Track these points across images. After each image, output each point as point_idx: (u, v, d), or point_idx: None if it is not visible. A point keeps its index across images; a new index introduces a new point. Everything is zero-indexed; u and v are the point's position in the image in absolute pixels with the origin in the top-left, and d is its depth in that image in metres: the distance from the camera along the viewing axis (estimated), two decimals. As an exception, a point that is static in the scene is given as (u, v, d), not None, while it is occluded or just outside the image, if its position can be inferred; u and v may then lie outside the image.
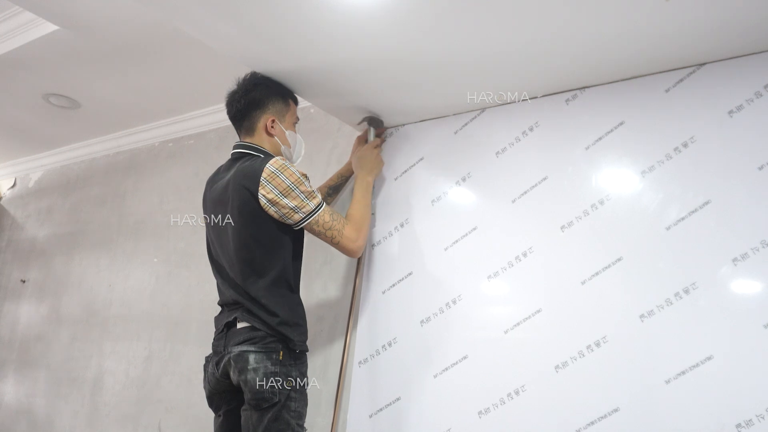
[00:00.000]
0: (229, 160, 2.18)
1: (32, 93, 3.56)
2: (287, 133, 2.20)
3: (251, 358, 1.93)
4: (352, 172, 2.58)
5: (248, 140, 2.17)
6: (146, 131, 3.91)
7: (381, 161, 2.48)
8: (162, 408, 3.22)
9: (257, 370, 1.92)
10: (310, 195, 2.01)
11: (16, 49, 2.98)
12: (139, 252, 3.73)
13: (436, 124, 2.46)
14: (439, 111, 2.42)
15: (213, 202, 2.15)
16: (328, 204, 2.50)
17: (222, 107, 2.37)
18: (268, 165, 1.98)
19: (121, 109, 3.70)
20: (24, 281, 4.59)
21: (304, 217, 2.01)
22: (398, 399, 2.23)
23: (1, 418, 4.25)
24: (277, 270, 2.01)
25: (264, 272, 2.00)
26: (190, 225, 3.41)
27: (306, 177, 2.03)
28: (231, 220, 2.03)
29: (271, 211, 1.97)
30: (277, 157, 2.03)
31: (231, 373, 2.00)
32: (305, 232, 2.12)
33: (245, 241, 2.00)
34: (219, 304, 2.17)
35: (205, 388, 2.16)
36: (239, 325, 2.01)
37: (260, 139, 2.16)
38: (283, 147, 2.19)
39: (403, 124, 2.56)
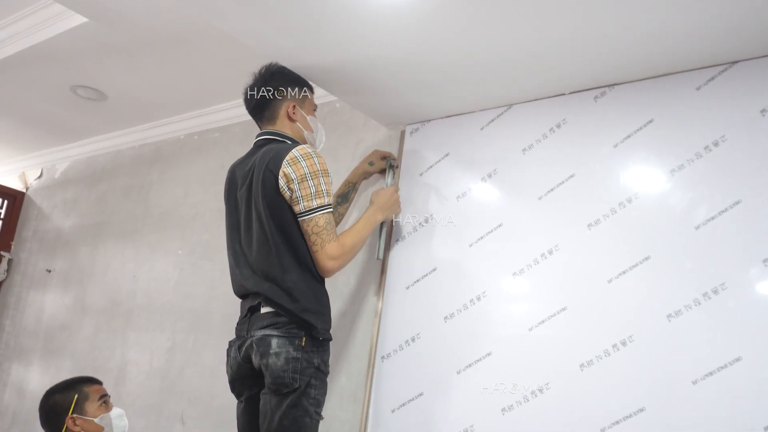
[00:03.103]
0: (253, 148, 2.20)
1: (60, 84, 3.59)
2: (308, 118, 2.22)
3: (274, 342, 1.94)
4: (359, 179, 2.59)
5: (271, 128, 2.19)
6: (172, 124, 3.94)
7: (399, 205, 2.42)
8: (185, 399, 3.24)
9: (279, 354, 1.93)
10: (319, 193, 1.99)
11: (46, 41, 3.00)
12: (163, 243, 3.75)
13: (462, 120, 2.45)
14: (465, 107, 2.41)
15: (236, 188, 2.16)
16: (340, 213, 2.53)
17: (248, 101, 2.38)
18: (293, 150, 1.99)
19: (147, 102, 3.72)
20: (49, 271, 4.64)
21: (303, 211, 1.98)
22: (421, 395, 2.23)
23: (27, 405, 4.30)
24: (303, 257, 2.01)
25: (289, 259, 2.00)
26: (215, 217, 3.43)
27: (326, 173, 2.02)
28: (255, 206, 2.04)
29: (286, 195, 1.98)
30: (304, 145, 2.05)
31: (253, 357, 2.00)
32: None
33: (271, 228, 2.00)
34: (238, 294, 2.17)
35: (227, 372, 2.17)
36: (263, 310, 2.02)
37: (282, 126, 2.18)
38: (306, 133, 2.21)
39: (429, 120, 2.55)
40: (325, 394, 2.03)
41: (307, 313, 1.97)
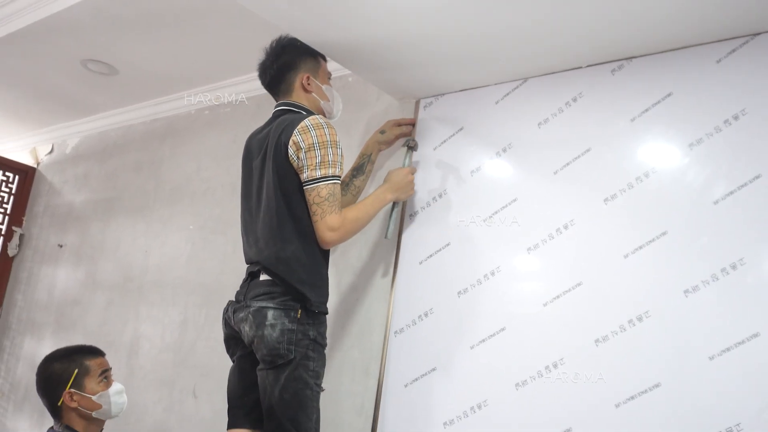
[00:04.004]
0: (270, 118, 2.21)
1: (70, 59, 3.57)
2: (323, 88, 2.24)
3: (270, 314, 1.96)
4: (373, 149, 2.56)
5: (288, 100, 2.20)
6: (183, 98, 3.91)
7: (412, 188, 2.38)
8: (197, 373, 3.25)
9: (275, 326, 1.94)
10: (324, 164, 1.98)
11: (56, 14, 2.98)
12: (175, 218, 3.75)
13: (476, 94, 2.43)
14: (480, 80, 2.39)
15: (252, 157, 2.18)
16: (357, 186, 2.49)
17: (259, 75, 2.37)
18: (305, 120, 2.00)
19: (158, 76, 3.70)
20: (61, 246, 4.65)
21: (307, 180, 1.99)
22: (434, 369, 2.23)
23: (40, 379, 4.33)
24: (306, 228, 2.02)
25: (291, 229, 2.01)
26: (227, 192, 3.42)
27: (335, 144, 2.01)
28: (266, 175, 2.06)
29: (294, 164, 2.00)
30: (317, 116, 2.06)
31: (247, 329, 2.01)
32: None
33: (277, 197, 2.02)
34: (246, 262, 2.18)
35: (223, 331, 2.22)
36: (261, 278, 2.04)
37: (299, 97, 2.20)
38: (322, 102, 2.22)
39: (443, 94, 2.53)
40: (324, 366, 2.05)
41: (303, 285, 1.98)
